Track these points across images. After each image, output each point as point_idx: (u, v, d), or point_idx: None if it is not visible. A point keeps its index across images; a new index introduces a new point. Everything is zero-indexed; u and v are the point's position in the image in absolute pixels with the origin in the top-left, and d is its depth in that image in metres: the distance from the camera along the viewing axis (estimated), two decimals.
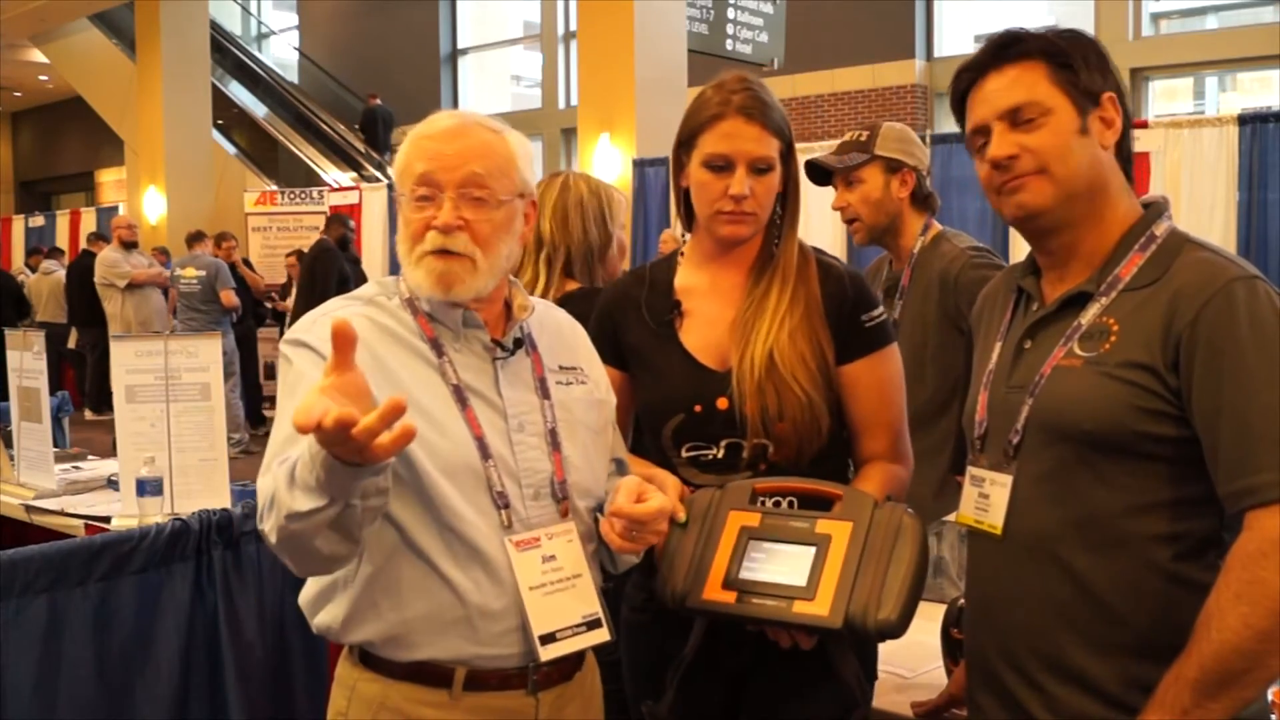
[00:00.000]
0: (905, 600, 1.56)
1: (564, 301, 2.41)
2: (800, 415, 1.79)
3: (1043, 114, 1.50)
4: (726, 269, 1.90)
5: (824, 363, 1.84)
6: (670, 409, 1.86)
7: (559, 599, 1.60)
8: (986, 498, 1.57)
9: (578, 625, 1.61)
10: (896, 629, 1.57)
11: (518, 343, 1.67)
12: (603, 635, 1.64)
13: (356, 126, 16.39)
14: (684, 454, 1.86)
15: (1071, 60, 1.50)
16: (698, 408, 1.83)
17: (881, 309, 1.91)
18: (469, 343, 1.63)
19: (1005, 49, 1.54)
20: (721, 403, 1.82)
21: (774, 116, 1.81)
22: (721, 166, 1.81)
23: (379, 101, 16.18)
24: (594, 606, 1.64)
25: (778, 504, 1.73)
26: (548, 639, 1.58)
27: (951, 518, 1.70)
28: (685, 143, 1.86)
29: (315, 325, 1.59)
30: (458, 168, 1.57)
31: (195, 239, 9.61)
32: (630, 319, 1.94)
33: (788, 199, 1.88)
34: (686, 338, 1.89)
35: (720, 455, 1.83)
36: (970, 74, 1.57)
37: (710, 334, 1.87)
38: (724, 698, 1.87)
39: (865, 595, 1.56)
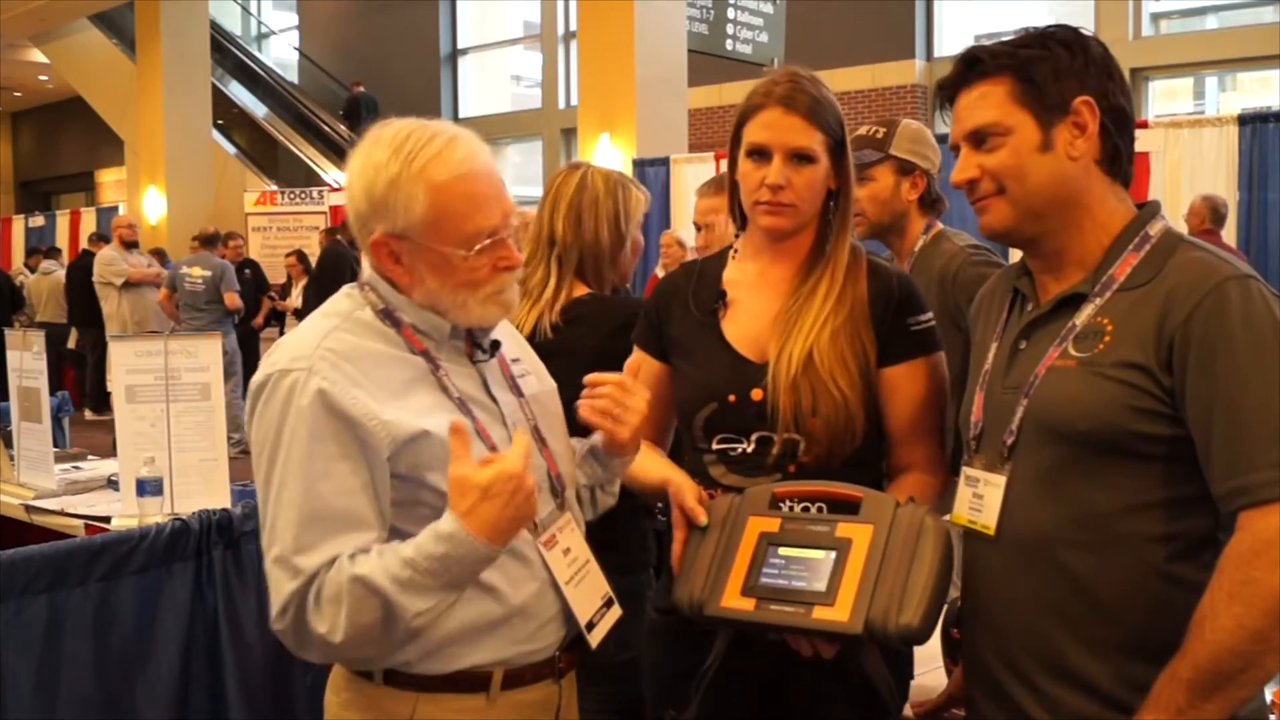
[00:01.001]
0: (928, 604, 1.53)
1: (573, 306, 2.38)
2: (834, 414, 1.77)
3: (1002, 134, 1.51)
4: (776, 263, 1.89)
5: (865, 364, 1.81)
6: (704, 397, 1.84)
7: (584, 588, 1.65)
8: (980, 498, 1.57)
9: (601, 608, 1.67)
10: (919, 634, 1.53)
11: (494, 345, 1.67)
12: (618, 611, 1.70)
13: (341, 113, 16.49)
14: (714, 446, 1.84)
15: (1035, 74, 1.49)
16: (731, 397, 1.82)
17: (930, 315, 1.88)
18: (450, 351, 1.62)
19: (969, 69, 1.54)
20: (756, 394, 1.80)
21: (818, 109, 1.79)
22: (760, 156, 1.81)
23: (362, 89, 16.29)
24: (605, 586, 1.70)
25: (806, 509, 1.69)
26: (589, 627, 1.64)
27: (946, 517, 1.70)
28: (735, 136, 1.86)
29: (318, 360, 1.49)
30: (508, 208, 1.58)
31: (209, 241, 9.61)
32: (676, 310, 1.94)
33: (840, 197, 1.86)
34: (728, 328, 1.88)
35: (750, 449, 1.81)
36: (945, 91, 1.59)
37: (752, 325, 1.86)
38: (750, 707, 1.85)
39: (886, 599, 1.53)
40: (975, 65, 1.53)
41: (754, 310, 1.87)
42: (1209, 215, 6.67)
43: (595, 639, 1.65)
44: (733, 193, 1.90)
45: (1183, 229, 1.58)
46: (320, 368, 1.48)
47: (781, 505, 1.70)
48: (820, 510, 1.69)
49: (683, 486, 1.76)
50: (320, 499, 1.45)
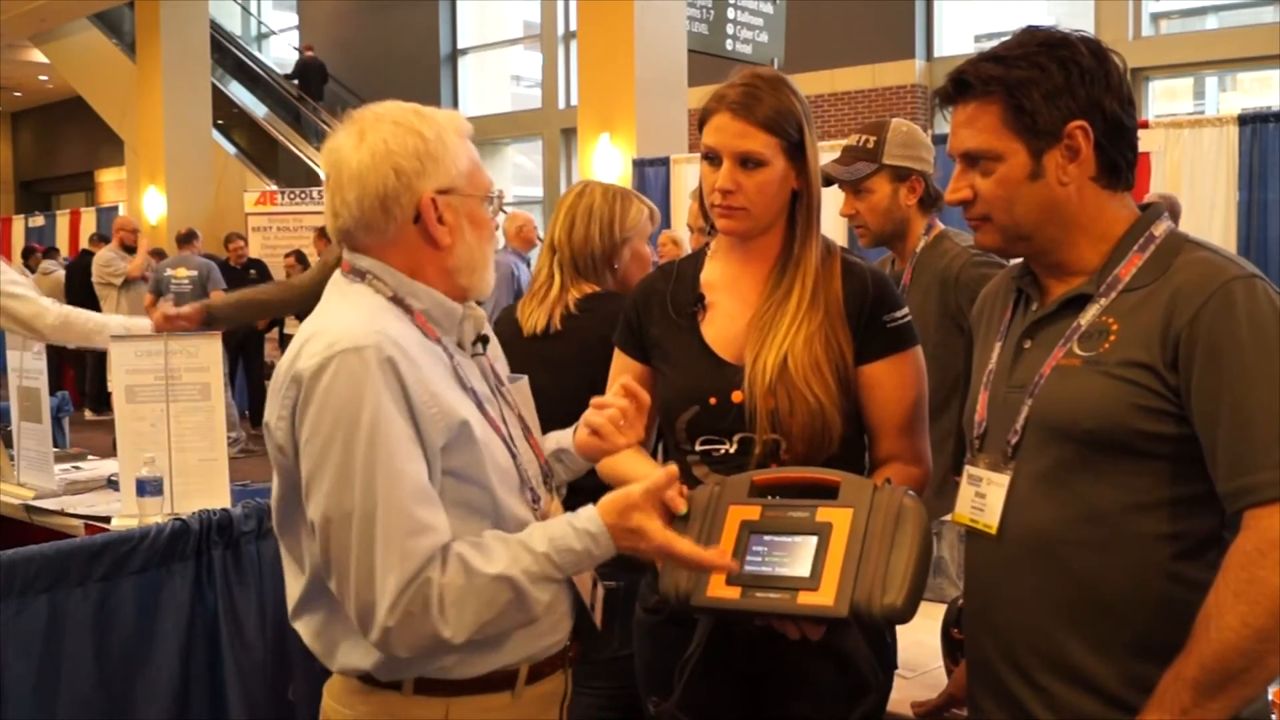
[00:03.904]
0: (910, 584, 1.53)
1: (583, 301, 2.48)
2: (810, 420, 1.79)
3: (993, 160, 1.50)
4: (750, 265, 1.90)
5: (842, 366, 1.83)
6: (686, 400, 1.86)
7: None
8: (983, 497, 1.57)
9: (593, 588, 1.70)
10: (903, 614, 1.54)
11: (485, 338, 1.67)
12: (601, 590, 1.73)
13: (288, 75, 16.98)
14: (697, 448, 1.85)
15: (1025, 102, 1.47)
16: (712, 400, 1.83)
17: (905, 310, 1.90)
18: (452, 342, 1.60)
19: (958, 92, 1.53)
20: (736, 396, 1.82)
21: (767, 114, 1.80)
22: (713, 160, 1.83)
23: (313, 53, 16.74)
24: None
25: (785, 496, 1.70)
26: (590, 607, 1.67)
27: (949, 517, 1.70)
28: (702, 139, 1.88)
29: (381, 338, 1.44)
30: None
31: (186, 240, 9.60)
32: (655, 312, 1.95)
33: (802, 199, 1.87)
34: (707, 330, 1.89)
35: (732, 450, 1.82)
36: (940, 104, 1.58)
37: (730, 328, 1.88)
38: (736, 698, 1.87)
39: (869, 581, 1.54)
40: (965, 90, 1.52)
41: (731, 312, 1.89)
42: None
43: (598, 618, 1.68)
44: (704, 194, 1.91)
45: (1185, 229, 1.57)
46: (386, 346, 1.44)
47: (760, 493, 1.70)
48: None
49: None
50: (413, 481, 1.42)
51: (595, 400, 1.71)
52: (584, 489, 1.84)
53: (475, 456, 1.50)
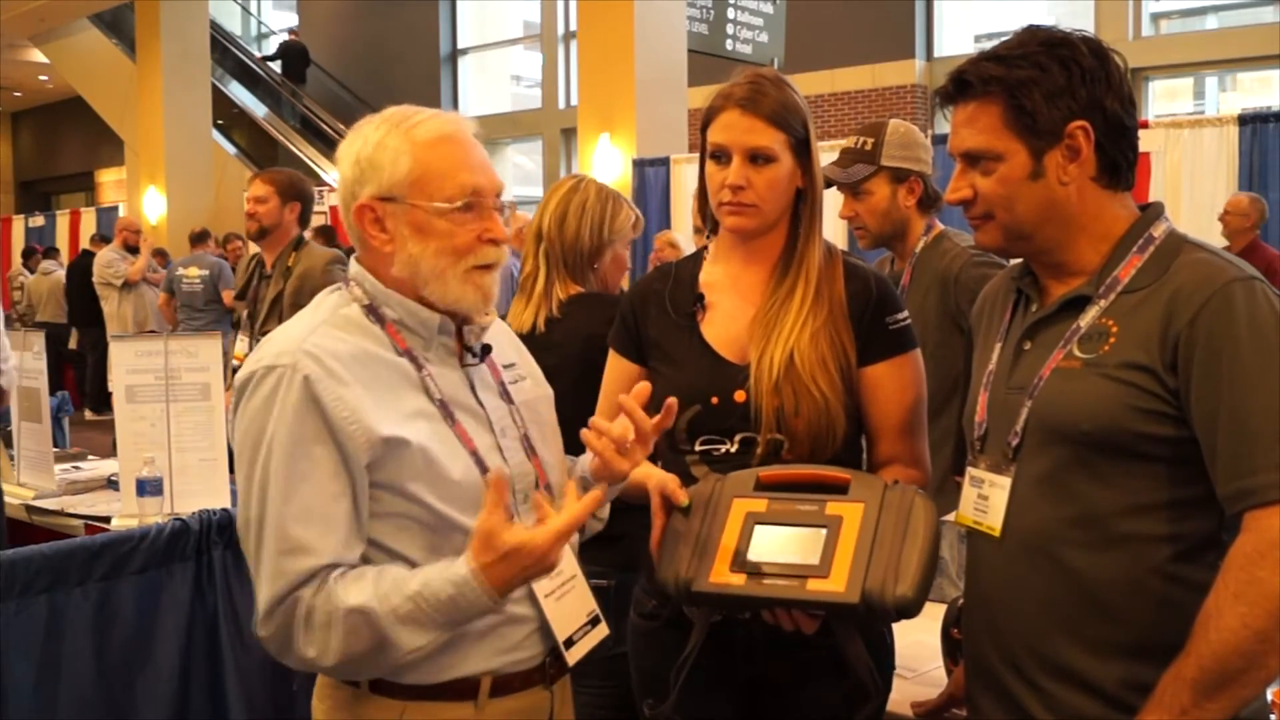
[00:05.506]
0: (921, 578, 1.52)
1: (568, 302, 2.47)
2: (815, 416, 1.78)
3: (993, 160, 1.50)
4: (750, 265, 1.90)
5: (846, 365, 1.83)
6: (687, 399, 1.84)
7: (567, 602, 1.62)
8: (985, 499, 1.57)
9: (585, 625, 1.65)
10: (914, 606, 1.52)
11: (485, 348, 1.64)
12: (604, 631, 1.67)
13: (270, 55, 17.51)
14: (697, 448, 1.84)
15: (1026, 101, 1.47)
16: (714, 399, 1.82)
17: (906, 313, 1.90)
18: (438, 351, 1.58)
19: (959, 91, 1.53)
20: (739, 395, 1.81)
21: (775, 110, 1.80)
22: (721, 157, 1.83)
23: (296, 37, 17.30)
24: (592, 604, 1.67)
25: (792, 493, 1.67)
26: (568, 643, 1.61)
27: (951, 517, 1.69)
28: (702, 140, 1.88)
29: (302, 356, 1.46)
30: (495, 177, 1.57)
31: (199, 239, 9.59)
32: (653, 312, 1.94)
33: (806, 196, 1.87)
34: (707, 330, 1.89)
35: (734, 450, 1.81)
36: (941, 103, 1.58)
37: (731, 328, 1.87)
38: (734, 705, 1.86)
39: (882, 572, 1.51)
40: (966, 89, 1.52)
41: (732, 312, 1.89)
42: (1258, 216, 6.55)
43: (573, 657, 1.62)
44: (702, 195, 1.91)
45: (1185, 229, 1.57)
46: (305, 364, 1.46)
47: (767, 489, 1.68)
48: None
49: (665, 477, 1.75)
50: (301, 501, 1.44)
51: (592, 423, 1.62)
52: None
53: (409, 471, 1.48)
